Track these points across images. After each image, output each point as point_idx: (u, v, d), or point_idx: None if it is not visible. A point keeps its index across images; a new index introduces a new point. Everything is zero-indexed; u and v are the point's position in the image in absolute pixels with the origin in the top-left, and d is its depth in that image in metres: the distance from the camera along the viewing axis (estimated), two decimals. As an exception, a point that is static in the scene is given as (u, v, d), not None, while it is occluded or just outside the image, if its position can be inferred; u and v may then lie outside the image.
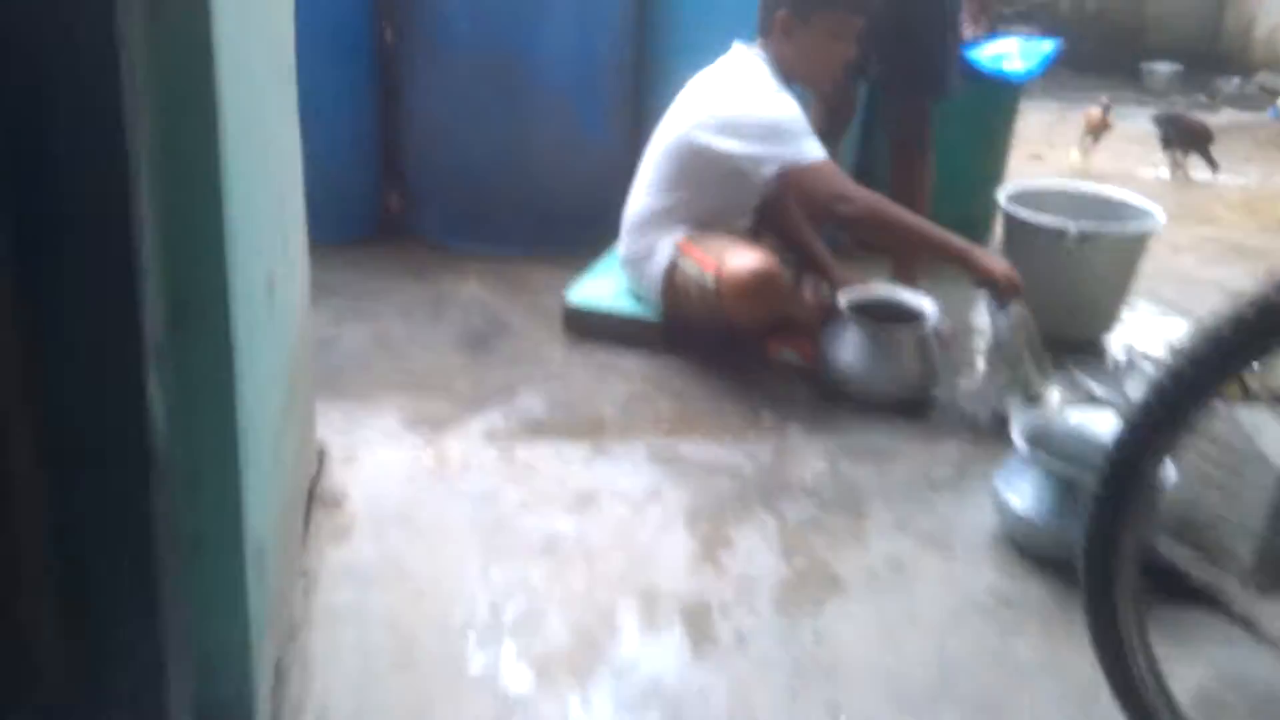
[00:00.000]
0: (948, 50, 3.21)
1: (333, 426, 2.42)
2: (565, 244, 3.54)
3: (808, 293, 3.35)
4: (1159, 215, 3.19)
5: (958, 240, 2.77)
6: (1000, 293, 2.71)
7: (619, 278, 3.13)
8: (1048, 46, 3.85)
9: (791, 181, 2.79)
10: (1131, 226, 3.16)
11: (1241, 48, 8.95)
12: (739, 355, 2.93)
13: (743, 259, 2.73)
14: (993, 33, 3.35)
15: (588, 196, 3.08)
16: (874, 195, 2.82)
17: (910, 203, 3.27)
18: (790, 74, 2.87)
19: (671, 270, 2.92)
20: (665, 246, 2.94)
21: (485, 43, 3.40)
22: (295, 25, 3.41)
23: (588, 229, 3.06)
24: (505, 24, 3.39)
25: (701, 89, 2.91)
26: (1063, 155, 5.72)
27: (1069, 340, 3.19)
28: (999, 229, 3.44)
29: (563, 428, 2.56)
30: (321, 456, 2.27)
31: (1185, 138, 5.77)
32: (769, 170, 2.76)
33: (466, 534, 2.11)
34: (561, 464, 2.38)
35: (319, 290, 3.16)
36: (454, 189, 3.59)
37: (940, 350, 2.89)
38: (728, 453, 2.49)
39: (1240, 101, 8.11)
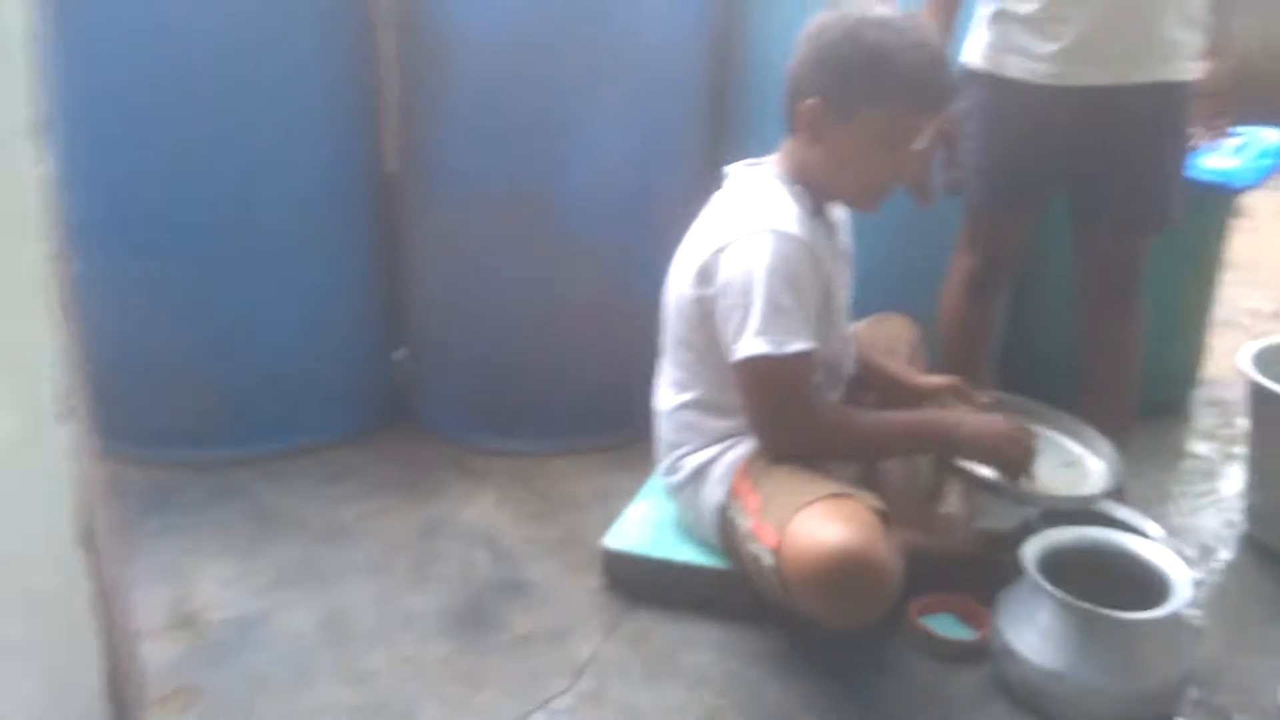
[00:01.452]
0: (1176, 167, 2.06)
1: None
2: (614, 434, 2.48)
3: (954, 505, 2.22)
4: None
5: (934, 421, 1.88)
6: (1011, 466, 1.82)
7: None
8: (1274, 137, 2.67)
9: (741, 376, 1.76)
10: None
11: None
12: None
13: (816, 530, 1.61)
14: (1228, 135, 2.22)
15: (641, 373, 2.05)
16: (833, 410, 1.87)
17: (1117, 372, 2.16)
18: (818, 189, 1.81)
19: (725, 519, 1.84)
20: (714, 478, 1.87)
21: (503, 179, 2.36)
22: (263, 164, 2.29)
23: (641, 410, 2.04)
24: (528, 154, 2.35)
25: (703, 223, 1.87)
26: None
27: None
28: (1244, 402, 2.26)
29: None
30: None
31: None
32: (729, 356, 1.75)
33: None
34: None
35: (260, 534, 2.15)
36: (468, 367, 2.53)
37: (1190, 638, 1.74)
38: None
39: None
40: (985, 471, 1.85)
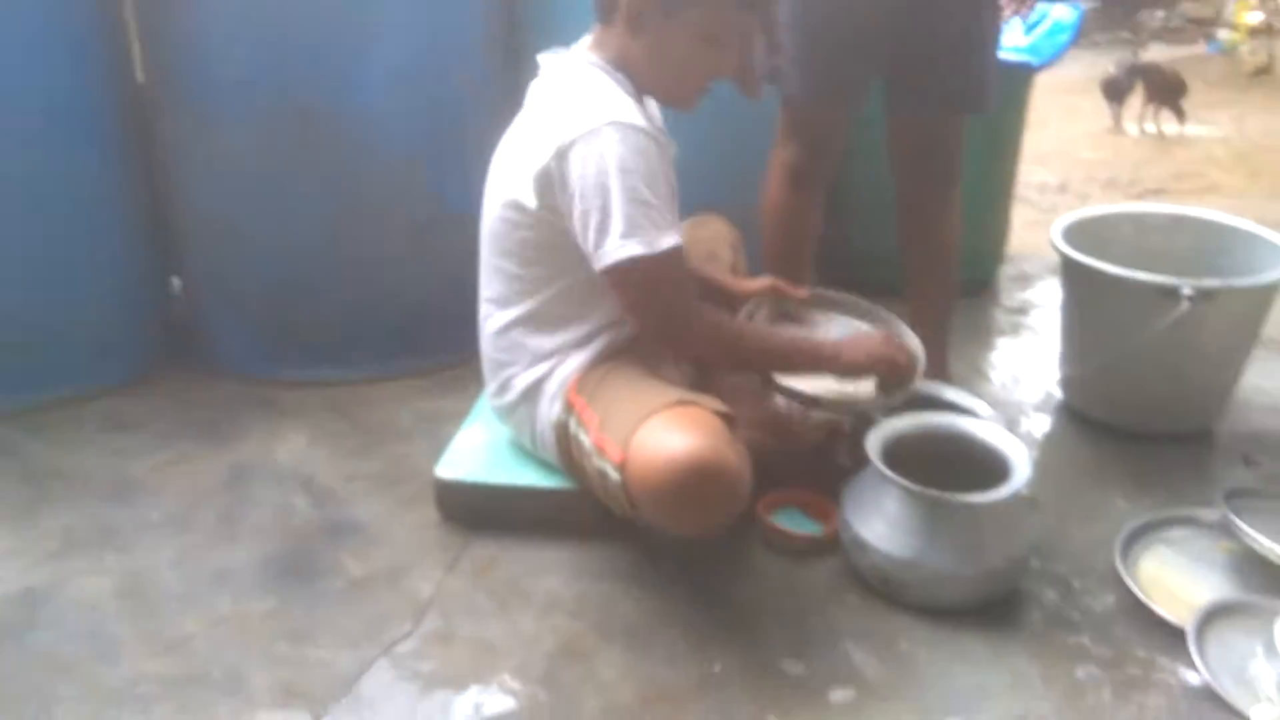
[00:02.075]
0: (991, 45, 2.04)
1: None
2: (434, 355, 2.33)
3: (781, 401, 2.20)
4: (1286, 241, 2.11)
5: (812, 346, 1.81)
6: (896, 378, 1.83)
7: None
8: (1066, 13, 2.72)
9: (616, 282, 1.62)
10: (1263, 271, 2.06)
11: (1154, -23, 8.03)
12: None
13: (662, 441, 1.53)
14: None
15: (458, 284, 1.91)
16: (717, 314, 1.73)
17: (941, 260, 2.17)
18: (637, 82, 1.69)
19: (563, 437, 1.74)
20: (548, 395, 1.76)
21: (280, 87, 2.13)
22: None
23: (463, 329, 1.91)
24: (306, 58, 2.12)
25: (526, 122, 1.72)
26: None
27: (1164, 438, 2.12)
28: (1053, 276, 2.33)
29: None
30: None
31: (1158, 89, 4.77)
32: (596, 264, 1.60)
33: None
34: None
35: (35, 497, 1.89)
36: (258, 293, 2.31)
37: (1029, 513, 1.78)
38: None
39: (1168, 36, 7.19)
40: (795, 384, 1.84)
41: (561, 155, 1.59)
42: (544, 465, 1.84)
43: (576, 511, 1.80)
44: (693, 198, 2.13)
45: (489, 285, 1.81)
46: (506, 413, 1.85)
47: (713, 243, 2.14)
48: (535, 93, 1.73)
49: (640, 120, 1.61)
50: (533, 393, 1.78)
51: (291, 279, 2.28)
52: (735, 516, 1.58)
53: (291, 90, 2.13)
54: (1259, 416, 2.23)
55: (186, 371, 2.36)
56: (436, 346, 2.31)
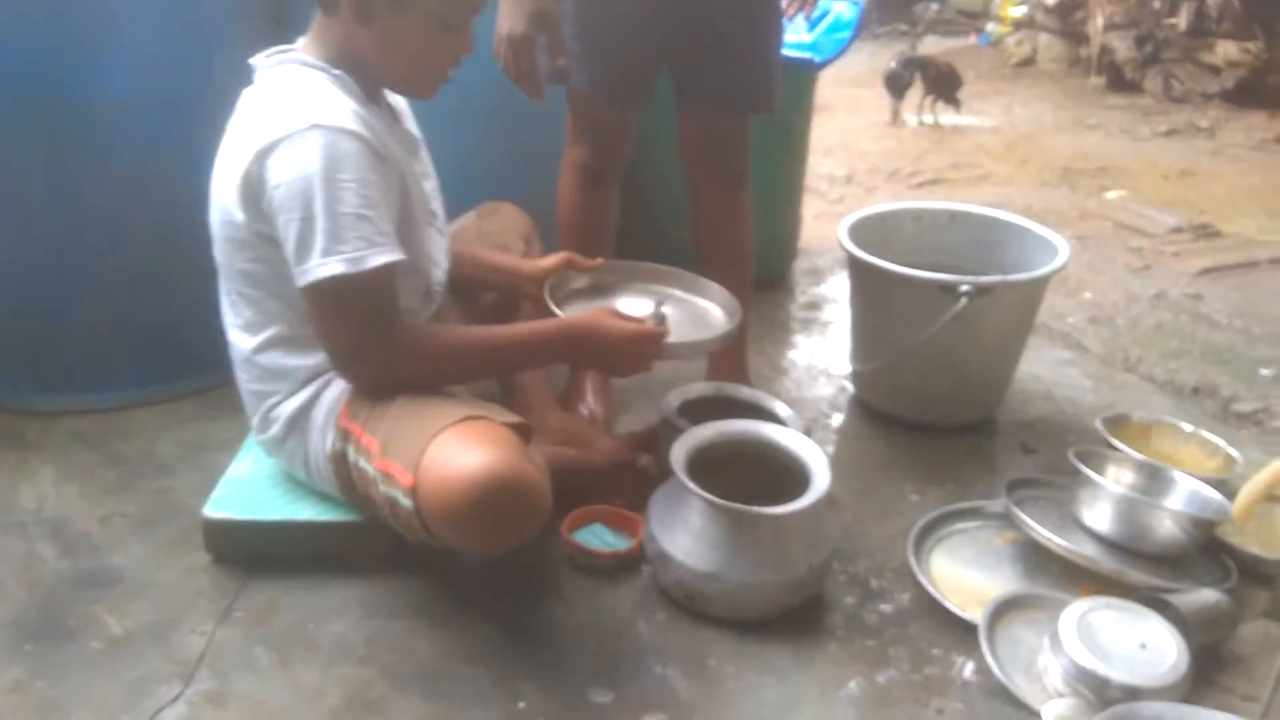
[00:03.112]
0: (775, 42, 2.05)
1: None
2: (200, 375, 2.16)
3: (592, 405, 2.17)
4: (1055, 241, 2.21)
5: (555, 327, 1.70)
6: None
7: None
8: (846, 10, 2.78)
9: (312, 303, 1.51)
10: (1035, 263, 2.15)
11: (925, -30, 8.42)
12: (518, 550, 1.63)
13: (454, 460, 1.43)
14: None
15: (220, 297, 1.75)
16: (423, 333, 1.62)
17: (734, 262, 2.17)
18: (367, 75, 1.60)
19: (343, 467, 1.62)
20: (316, 425, 1.65)
21: (10, 75, 1.90)
22: None
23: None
24: (32, 41, 1.90)
25: (232, 132, 1.59)
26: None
27: (950, 430, 2.20)
28: (843, 277, 2.37)
29: None
30: None
31: (935, 82, 5.00)
32: (297, 281, 1.49)
33: None
34: None
35: None
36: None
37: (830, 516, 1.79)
38: None
39: (942, 28, 7.57)
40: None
41: (261, 160, 1.47)
42: (325, 497, 1.72)
43: (365, 545, 1.70)
44: (485, 194, 2.07)
45: (233, 311, 1.67)
46: (274, 447, 1.72)
47: (503, 235, 2.06)
48: (245, 100, 1.60)
49: (351, 123, 1.50)
50: (299, 423, 1.66)
51: (31, 294, 2.05)
52: (538, 529, 1.51)
53: (22, 79, 1.91)
54: (1035, 404, 2.35)
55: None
56: (201, 365, 2.13)
